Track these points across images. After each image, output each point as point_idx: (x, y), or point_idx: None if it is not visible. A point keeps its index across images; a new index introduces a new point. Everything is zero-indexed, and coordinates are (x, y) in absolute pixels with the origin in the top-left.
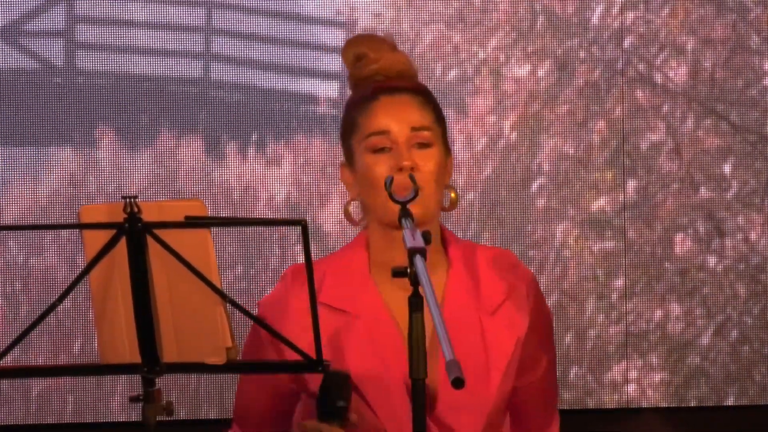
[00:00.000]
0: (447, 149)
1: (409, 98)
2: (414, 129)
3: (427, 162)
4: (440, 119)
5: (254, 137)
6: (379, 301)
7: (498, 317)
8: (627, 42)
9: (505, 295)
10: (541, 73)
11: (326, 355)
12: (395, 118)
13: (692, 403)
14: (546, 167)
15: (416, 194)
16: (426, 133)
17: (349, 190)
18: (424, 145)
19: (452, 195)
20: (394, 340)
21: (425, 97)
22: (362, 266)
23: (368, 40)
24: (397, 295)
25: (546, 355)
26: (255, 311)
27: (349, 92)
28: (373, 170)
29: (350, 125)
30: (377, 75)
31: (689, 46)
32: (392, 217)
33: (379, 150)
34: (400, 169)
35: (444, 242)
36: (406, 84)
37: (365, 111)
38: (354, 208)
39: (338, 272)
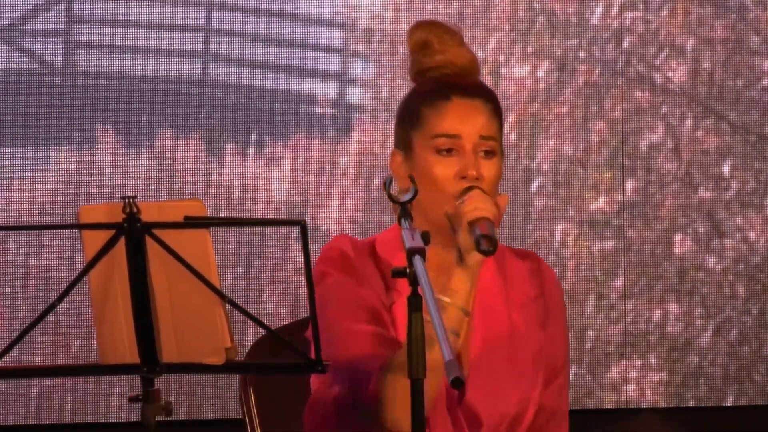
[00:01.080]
0: (503, 156)
1: (481, 104)
2: (482, 137)
3: (490, 171)
4: (502, 128)
5: (253, 137)
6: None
7: (526, 314)
8: (626, 42)
9: (534, 293)
10: (540, 73)
11: (387, 320)
12: (466, 124)
13: (691, 404)
14: (545, 167)
15: (415, 194)
16: (492, 143)
17: (399, 179)
18: (489, 154)
19: (502, 202)
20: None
21: (495, 105)
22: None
23: (436, 28)
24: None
25: (565, 366)
26: (255, 311)
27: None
28: (434, 171)
29: (416, 117)
30: (441, 68)
31: (689, 47)
32: (444, 220)
33: (444, 151)
34: (464, 177)
35: None
36: (479, 88)
37: (435, 109)
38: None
39: (388, 253)
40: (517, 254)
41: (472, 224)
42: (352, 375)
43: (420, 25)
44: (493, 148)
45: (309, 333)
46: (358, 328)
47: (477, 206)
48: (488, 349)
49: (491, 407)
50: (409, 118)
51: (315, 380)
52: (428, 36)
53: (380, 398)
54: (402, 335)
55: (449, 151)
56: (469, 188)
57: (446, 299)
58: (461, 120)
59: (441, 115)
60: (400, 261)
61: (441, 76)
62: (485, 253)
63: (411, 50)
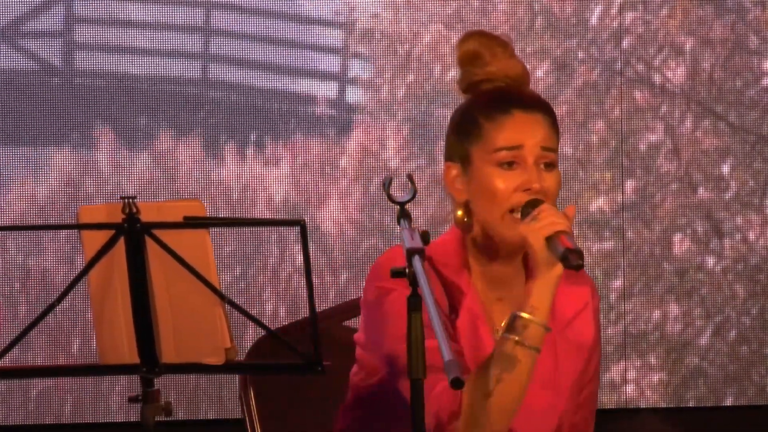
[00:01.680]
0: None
1: (541, 117)
2: (544, 149)
3: (551, 183)
4: (558, 141)
5: (253, 137)
6: (477, 301)
7: (569, 333)
8: (626, 42)
9: (576, 310)
10: (540, 73)
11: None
12: (528, 135)
13: (691, 404)
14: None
15: (414, 195)
16: (553, 155)
17: (456, 193)
18: (549, 166)
19: (570, 212)
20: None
21: (553, 118)
22: (462, 265)
23: (486, 39)
24: (494, 306)
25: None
26: (255, 311)
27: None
28: (496, 184)
29: (475, 130)
30: (494, 80)
31: (688, 47)
32: (503, 233)
33: (507, 166)
34: (527, 190)
35: (524, 257)
36: (538, 100)
37: (495, 122)
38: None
39: (443, 268)
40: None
41: (550, 239)
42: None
43: (469, 36)
44: (554, 160)
45: (358, 335)
46: (428, 343)
47: (552, 220)
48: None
49: (530, 427)
50: (467, 130)
51: (360, 382)
52: (478, 47)
53: (472, 415)
54: (465, 349)
55: (510, 164)
56: (532, 202)
57: (527, 316)
58: (523, 132)
59: (502, 128)
60: (454, 278)
61: (496, 89)
62: (575, 268)
63: (460, 62)
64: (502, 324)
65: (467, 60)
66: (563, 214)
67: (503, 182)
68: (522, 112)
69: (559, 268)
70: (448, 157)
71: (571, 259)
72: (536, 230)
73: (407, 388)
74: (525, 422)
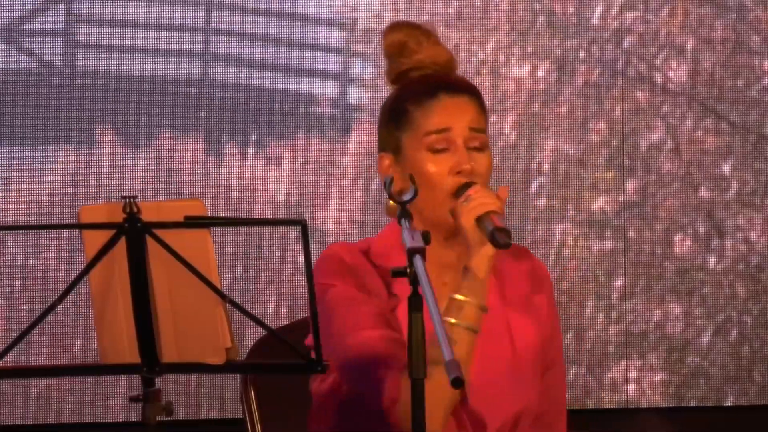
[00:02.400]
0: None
1: (469, 100)
2: (472, 130)
3: (481, 165)
4: (488, 123)
5: (254, 137)
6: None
7: (523, 311)
8: (627, 42)
9: (529, 289)
10: (540, 73)
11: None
12: (456, 118)
13: (692, 404)
14: (546, 167)
15: (415, 194)
16: (483, 136)
17: (384, 180)
18: (479, 148)
19: (503, 193)
20: None
21: (481, 101)
22: (401, 253)
23: (411, 29)
24: (441, 291)
25: (558, 356)
26: (256, 311)
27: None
28: (428, 169)
29: (404, 118)
30: (422, 68)
31: (689, 46)
32: (443, 217)
33: (437, 150)
34: (459, 172)
35: None
36: (465, 84)
37: (424, 108)
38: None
39: (384, 258)
40: (510, 252)
41: (481, 219)
42: (368, 380)
43: (393, 27)
44: (484, 141)
45: (309, 341)
46: (368, 333)
47: (483, 201)
48: (487, 352)
49: (494, 409)
50: (397, 119)
51: (318, 387)
52: (403, 37)
53: (403, 401)
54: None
55: (440, 148)
56: (467, 185)
57: (462, 297)
58: (449, 114)
59: (430, 113)
60: (397, 262)
61: (424, 76)
62: (503, 246)
63: (387, 53)
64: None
65: (394, 51)
66: (495, 195)
67: (435, 166)
68: (448, 95)
69: (490, 248)
70: (381, 148)
71: (499, 238)
72: (467, 211)
73: (352, 382)
74: (485, 404)
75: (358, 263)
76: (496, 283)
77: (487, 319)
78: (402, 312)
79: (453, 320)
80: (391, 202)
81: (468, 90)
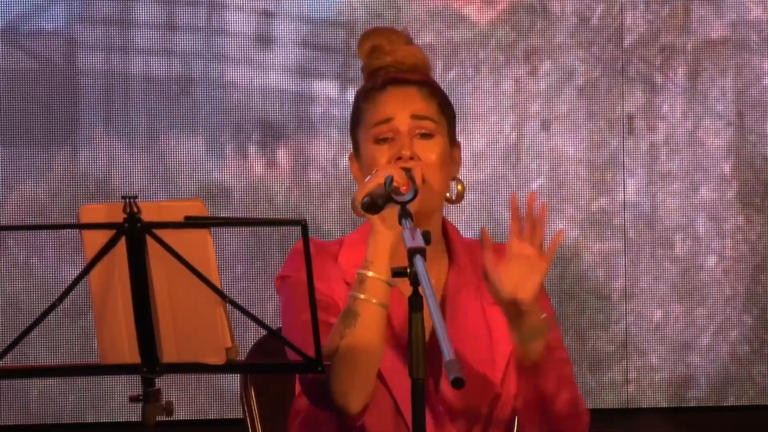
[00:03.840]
0: (453, 141)
1: (413, 89)
2: (415, 117)
3: (429, 152)
4: (446, 112)
5: (254, 137)
6: (401, 292)
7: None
8: (627, 42)
9: None
10: (541, 73)
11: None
12: (397, 107)
13: (692, 404)
14: (546, 167)
15: (415, 194)
16: (428, 123)
17: (358, 182)
18: (426, 135)
19: (459, 187)
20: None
21: (431, 89)
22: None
23: (385, 32)
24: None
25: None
26: (255, 311)
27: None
28: (375, 160)
29: (357, 116)
30: (390, 67)
31: (689, 46)
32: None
33: (382, 140)
34: (400, 158)
35: (446, 236)
36: (415, 77)
37: (371, 101)
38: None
39: (351, 254)
40: (493, 247)
41: (373, 193)
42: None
43: (369, 33)
44: (430, 129)
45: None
46: (306, 317)
47: (380, 174)
48: (463, 345)
49: (468, 400)
50: (354, 118)
51: (297, 398)
52: (378, 40)
53: (330, 372)
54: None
55: (386, 139)
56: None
57: (363, 271)
58: (391, 104)
59: (375, 105)
60: (360, 261)
61: (381, 75)
62: (398, 203)
63: (362, 56)
64: None
65: (367, 53)
66: (398, 169)
67: (381, 156)
68: (394, 86)
69: (390, 221)
70: (353, 151)
71: (393, 193)
72: (365, 187)
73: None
74: (460, 395)
75: (320, 255)
76: (474, 279)
77: (464, 314)
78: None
79: (360, 295)
80: (361, 198)
81: (416, 81)
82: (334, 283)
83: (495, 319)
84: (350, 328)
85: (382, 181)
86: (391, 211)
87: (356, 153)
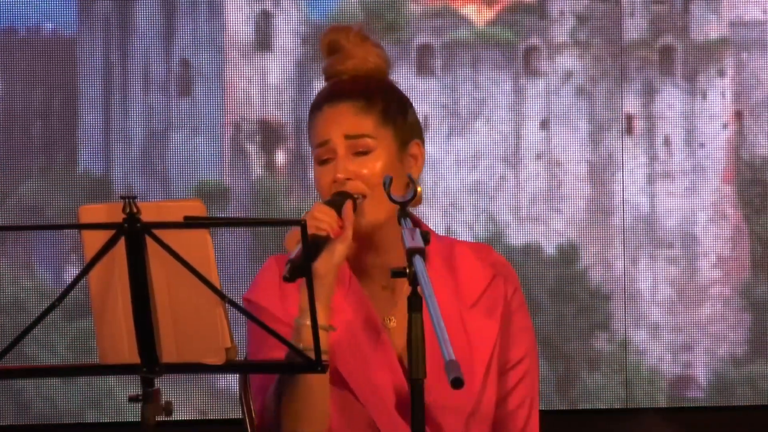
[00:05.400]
0: (405, 144)
1: (347, 107)
2: (349, 137)
3: (368, 169)
4: (387, 120)
5: (254, 137)
6: (366, 301)
7: (478, 309)
8: (626, 42)
9: (484, 286)
10: (540, 73)
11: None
12: (332, 128)
13: (692, 404)
14: (545, 167)
15: (415, 194)
16: (364, 140)
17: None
18: (363, 153)
19: (418, 189)
20: (380, 336)
21: (366, 102)
22: (343, 267)
23: (344, 32)
24: (381, 294)
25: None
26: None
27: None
28: (318, 182)
29: (309, 130)
30: (351, 71)
31: (689, 47)
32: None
33: (322, 161)
34: (334, 182)
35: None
36: (350, 90)
37: (312, 121)
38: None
39: None
40: (470, 247)
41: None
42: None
43: (330, 31)
44: (367, 145)
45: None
46: (270, 354)
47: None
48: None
49: (448, 405)
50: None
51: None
52: (336, 37)
53: (272, 420)
54: (343, 353)
55: (327, 161)
56: (335, 196)
57: (305, 322)
58: (327, 127)
59: (314, 127)
60: (337, 295)
61: (326, 86)
62: (285, 279)
63: (323, 53)
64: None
65: (328, 51)
66: (325, 207)
67: (322, 178)
68: (329, 106)
69: (323, 269)
70: None
71: (286, 272)
72: (291, 235)
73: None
74: (440, 400)
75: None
76: (451, 282)
77: (443, 317)
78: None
79: (300, 344)
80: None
81: (350, 96)
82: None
83: (472, 323)
84: (289, 382)
85: (297, 234)
86: (322, 262)
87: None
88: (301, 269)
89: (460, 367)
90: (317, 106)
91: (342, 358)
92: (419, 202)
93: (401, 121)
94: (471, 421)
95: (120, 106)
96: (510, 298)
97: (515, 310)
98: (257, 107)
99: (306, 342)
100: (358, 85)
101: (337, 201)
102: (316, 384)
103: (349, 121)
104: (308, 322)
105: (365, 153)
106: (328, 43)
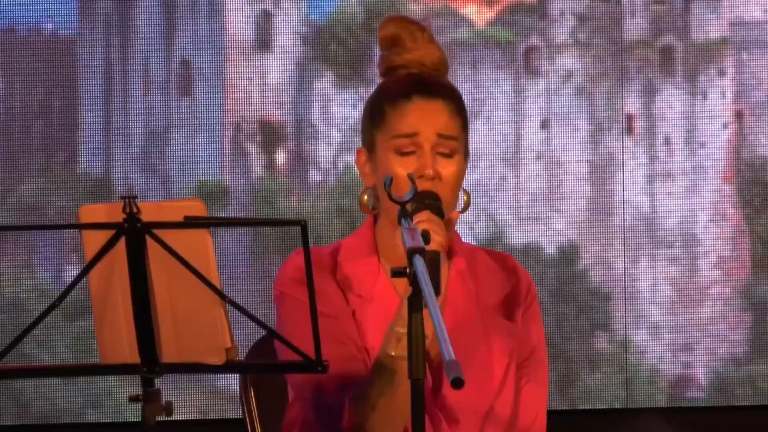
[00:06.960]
0: (467, 156)
1: (442, 105)
2: (441, 136)
3: (449, 171)
4: (466, 127)
5: (254, 137)
6: (389, 285)
7: (499, 316)
8: (627, 42)
9: (504, 294)
10: (540, 73)
11: (350, 329)
12: (425, 123)
13: (692, 404)
14: (545, 167)
15: (415, 194)
16: (452, 143)
17: (365, 178)
18: (447, 155)
19: (465, 197)
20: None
21: (456, 105)
22: (371, 252)
23: (408, 26)
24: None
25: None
26: (255, 311)
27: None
28: (395, 172)
29: (379, 117)
30: (410, 66)
31: (689, 47)
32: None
33: (404, 153)
34: (421, 176)
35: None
36: (441, 88)
37: (397, 109)
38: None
39: (351, 259)
40: (491, 255)
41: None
42: (320, 405)
43: (390, 21)
44: (453, 148)
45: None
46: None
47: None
48: (460, 351)
49: (466, 405)
50: (373, 116)
51: (290, 408)
52: (398, 31)
53: (362, 425)
54: (368, 341)
55: (409, 153)
56: (422, 195)
57: (400, 329)
58: (420, 119)
59: (401, 115)
60: (362, 266)
61: (406, 76)
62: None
63: (381, 46)
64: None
65: (387, 45)
66: (439, 221)
67: (400, 169)
68: (422, 98)
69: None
70: (362, 142)
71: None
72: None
73: (307, 403)
74: (458, 400)
75: (316, 269)
76: (473, 288)
77: (462, 320)
78: (364, 314)
79: (393, 352)
80: (364, 197)
81: (443, 94)
82: (334, 298)
83: (493, 328)
84: (388, 385)
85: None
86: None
87: (369, 151)
88: (435, 287)
89: (460, 367)
90: (404, 95)
91: (374, 340)
92: (467, 208)
93: (468, 134)
94: (486, 423)
95: (120, 105)
96: (527, 309)
97: (534, 321)
98: (257, 107)
99: (405, 351)
100: (448, 85)
101: (435, 205)
102: (405, 390)
103: (443, 119)
104: (404, 330)
105: (449, 155)
106: (387, 35)
